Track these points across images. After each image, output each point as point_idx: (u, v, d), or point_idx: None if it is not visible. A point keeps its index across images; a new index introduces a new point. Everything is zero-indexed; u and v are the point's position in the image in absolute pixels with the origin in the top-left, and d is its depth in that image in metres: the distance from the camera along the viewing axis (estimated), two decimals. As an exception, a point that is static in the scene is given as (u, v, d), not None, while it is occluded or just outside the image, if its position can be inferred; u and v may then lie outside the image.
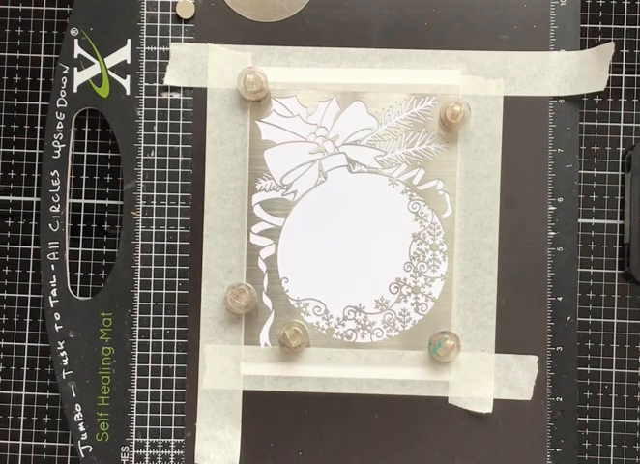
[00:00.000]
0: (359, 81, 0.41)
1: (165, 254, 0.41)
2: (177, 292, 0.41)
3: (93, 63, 0.42)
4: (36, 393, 0.43)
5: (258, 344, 0.41)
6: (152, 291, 0.41)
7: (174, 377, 0.41)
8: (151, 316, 0.41)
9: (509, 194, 0.41)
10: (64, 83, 0.42)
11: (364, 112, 0.41)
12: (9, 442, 0.43)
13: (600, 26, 0.42)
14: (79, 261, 0.43)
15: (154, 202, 0.42)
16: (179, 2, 0.42)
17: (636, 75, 0.42)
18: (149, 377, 0.41)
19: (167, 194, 0.42)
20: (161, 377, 0.41)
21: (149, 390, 0.41)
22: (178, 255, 0.41)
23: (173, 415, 0.41)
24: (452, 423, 0.41)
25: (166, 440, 0.41)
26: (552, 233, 0.41)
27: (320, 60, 0.41)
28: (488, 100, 0.41)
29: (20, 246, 0.43)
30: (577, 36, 0.41)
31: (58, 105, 0.42)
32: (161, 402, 0.41)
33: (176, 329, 0.41)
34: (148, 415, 0.41)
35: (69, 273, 0.42)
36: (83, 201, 0.43)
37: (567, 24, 0.41)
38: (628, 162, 0.41)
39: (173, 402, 0.41)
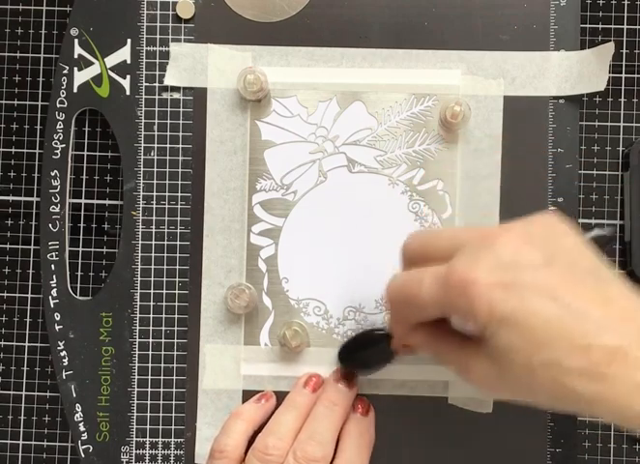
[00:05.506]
0: (359, 81, 0.41)
1: (165, 254, 0.41)
2: (177, 292, 0.41)
3: (93, 63, 0.42)
4: (36, 393, 0.43)
5: (258, 344, 0.41)
6: (152, 291, 0.41)
7: (174, 377, 0.41)
8: (151, 316, 0.41)
9: (508, 194, 0.41)
10: (64, 83, 0.42)
11: (364, 112, 0.41)
12: (9, 442, 0.43)
13: (600, 26, 0.42)
14: (79, 261, 0.43)
15: (154, 202, 0.42)
16: (179, 2, 0.42)
17: (636, 75, 0.42)
18: (149, 377, 0.41)
19: (167, 194, 0.42)
20: (161, 377, 0.41)
21: (149, 390, 0.41)
22: (178, 255, 0.41)
23: (173, 415, 0.41)
24: (452, 423, 0.41)
25: (166, 440, 0.41)
26: (552, 233, 0.41)
27: (320, 60, 0.41)
28: (488, 100, 0.41)
29: (20, 246, 0.43)
30: (577, 36, 0.41)
31: (58, 105, 0.42)
32: (161, 402, 0.41)
33: (176, 329, 0.41)
34: (148, 415, 0.41)
35: (69, 273, 0.42)
36: (83, 201, 0.43)
37: (567, 24, 0.41)
38: (626, 162, 0.41)
39: (173, 402, 0.41)
